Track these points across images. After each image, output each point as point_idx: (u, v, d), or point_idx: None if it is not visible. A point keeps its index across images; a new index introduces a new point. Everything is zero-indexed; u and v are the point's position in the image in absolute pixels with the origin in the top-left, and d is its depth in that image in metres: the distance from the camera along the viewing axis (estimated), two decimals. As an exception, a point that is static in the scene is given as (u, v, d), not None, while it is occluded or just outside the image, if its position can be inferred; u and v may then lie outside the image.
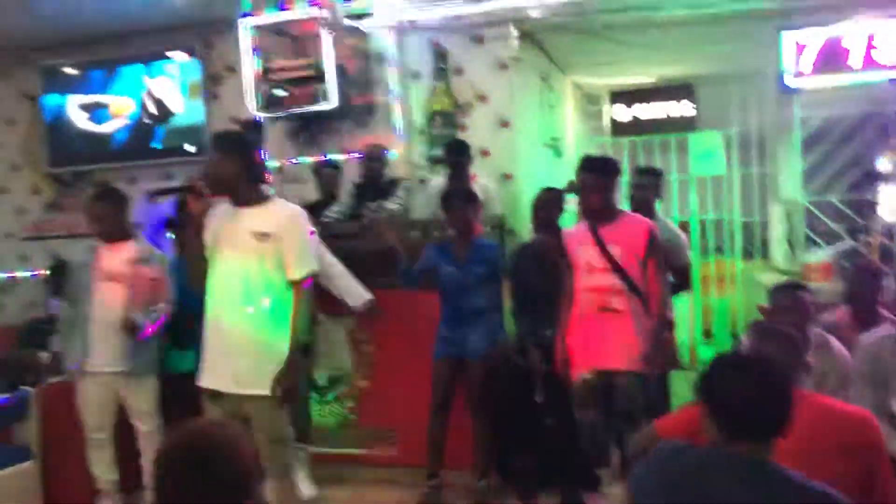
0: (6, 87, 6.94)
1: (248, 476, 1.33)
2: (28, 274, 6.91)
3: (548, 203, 4.33)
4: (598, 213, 3.74)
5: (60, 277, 5.20)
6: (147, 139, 6.53)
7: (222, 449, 1.32)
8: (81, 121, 6.68)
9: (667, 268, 3.88)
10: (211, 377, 3.20)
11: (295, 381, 3.12)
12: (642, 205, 4.43)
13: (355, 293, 4.42)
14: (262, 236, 3.11)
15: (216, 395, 3.18)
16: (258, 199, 3.21)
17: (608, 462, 3.84)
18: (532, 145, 5.92)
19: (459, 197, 4.31)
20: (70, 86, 6.67)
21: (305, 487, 4.05)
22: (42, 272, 6.63)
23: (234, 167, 3.13)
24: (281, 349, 3.12)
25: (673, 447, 1.94)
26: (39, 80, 6.72)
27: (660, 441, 2.21)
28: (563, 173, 6.22)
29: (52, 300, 5.74)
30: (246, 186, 3.18)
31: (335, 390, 4.75)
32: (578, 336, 3.74)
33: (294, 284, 3.16)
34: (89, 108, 6.66)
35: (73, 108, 6.68)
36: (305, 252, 3.21)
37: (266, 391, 3.07)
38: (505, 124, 5.59)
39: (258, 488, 1.37)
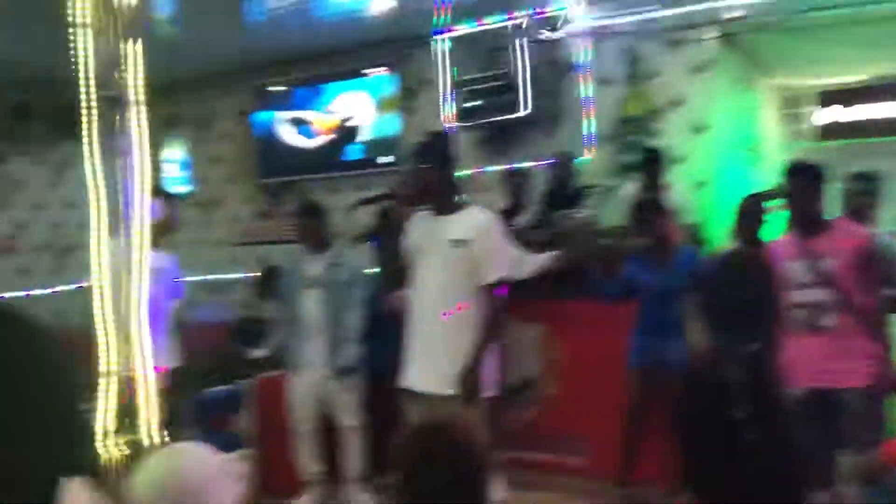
0: (225, 105, 7.63)
1: (484, 472, 1.38)
2: (240, 276, 7.51)
3: (751, 212, 4.12)
4: (808, 222, 3.51)
5: (270, 281, 5.64)
6: (345, 151, 6.91)
7: (464, 445, 1.38)
8: (288, 135, 7.18)
9: (886, 282, 3.56)
10: (412, 377, 3.32)
11: (476, 381, 3.14)
12: (858, 213, 4.10)
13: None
14: (459, 243, 3.20)
15: (415, 395, 3.30)
16: (456, 207, 3.31)
17: (829, 484, 3.59)
18: (729, 151, 5.67)
19: (649, 209, 4.22)
20: (278, 103, 7.21)
21: (496, 490, 4.10)
22: (251, 275, 7.19)
23: (438, 177, 3.26)
24: None
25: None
26: (252, 97, 7.31)
27: (887, 466, 2.05)
28: (763, 180, 5.90)
29: (263, 302, 6.21)
30: (447, 195, 3.29)
31: (524, 395, 4.77)
32: (790, 354, 3.53)
33: (486, 289, 3.22)
34: (295, 123, 7.16)
35: (281, 124, 7.21)
36: (499, 258, 3.26)
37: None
38: (700, 130, 5.39)
39: (488, 485, 1.42)
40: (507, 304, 3.33)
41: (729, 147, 5.72)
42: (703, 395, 4.01)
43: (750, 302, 3.86)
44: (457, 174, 3.43)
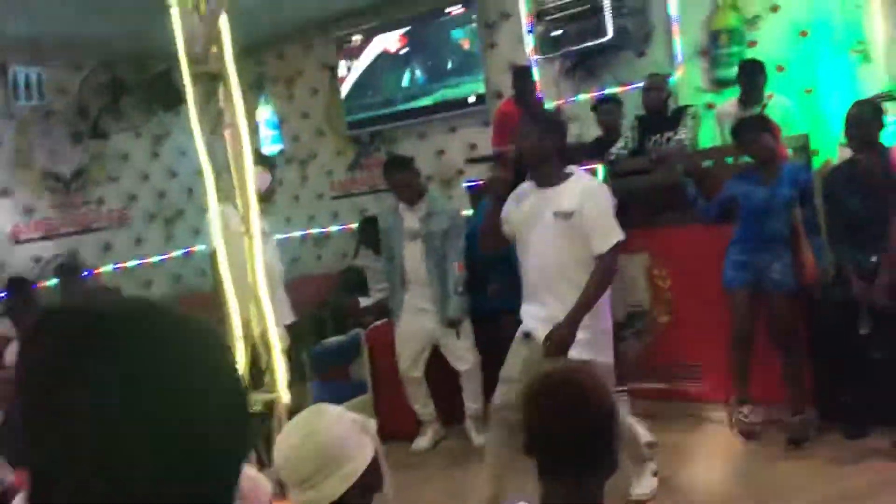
0: (308, 59, 7.69)
1: (612, 422, 1.39)
2: (338, 228, 7.68)
3: (864, 118, 3.87)
4: None
5: (369, 231, 5.75)
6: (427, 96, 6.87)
7: (593, 391, 1.39)
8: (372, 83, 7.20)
9: None
10: (528, 320, 3.34)
11: (568, 336, 3.04)
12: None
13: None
14: (566, 216, 3.14)
15: (528, 336, 3.30)
16: (562, 177, 3.24)
17: None
18: (835, 54, 5.32)
19: (750, 128, 4.03)
20: (360, 53, 7.21)
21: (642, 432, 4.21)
22: (350, 226, 7.36)
23: (551, 146, 3.20)
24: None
25: None
26: (333, 50, 7.34)
27: None
28: (875, 82, 5.54)
29: (364, 252, 6.36)
30: (556, 166, 3.24)
31: (634, 327, 4.74)
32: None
33: (599, 258, 3.14)
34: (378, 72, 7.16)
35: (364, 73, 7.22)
36: (608, 225, 3.18)
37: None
38: (802, 33, 5.09)
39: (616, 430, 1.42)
40: (616, 263, 3.25)
41: (835, 49, 5.37)
42: (825, 314, 3.94)
43: (867, 213, 3.69)
44: (562, 145, 3.33)
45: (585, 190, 3.20)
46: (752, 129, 4.03)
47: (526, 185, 3.31)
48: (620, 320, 4.68)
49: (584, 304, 3.09)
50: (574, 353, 3.01)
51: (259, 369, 2.74)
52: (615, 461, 1.43)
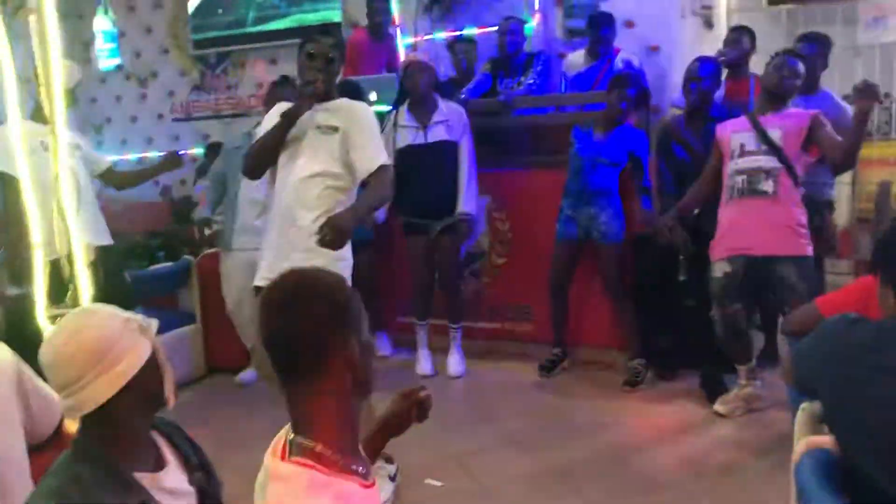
0: (154, -30, 7.14)
1: (325, 322, 1.28)
2: (178, 153, 7.24)
3: (699, 76, 4.02)
4: (778, 97, 3.54)
5: (213, 157, 5.47)
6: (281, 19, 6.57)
7: (317, 293, 1.30)
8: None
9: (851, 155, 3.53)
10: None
11: (348, 227, 2.72)
12: (807, 76, 4.03)
13: None
14: (329, 129, 2.96)
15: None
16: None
17: (750, 356, 3.72)
18: (681, 15, 5.52)
19: (617, 82, 4.15)
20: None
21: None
22: (190, 151, 6.97)
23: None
24: None
25: (843, 320, 1.81)
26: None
27: (821, 318, 2.09)
28: (714, 47, 5.80)
29: (199, 182, 6.05)
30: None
31: (472, 266, 4.79)
32: (725, 221, 3.58)
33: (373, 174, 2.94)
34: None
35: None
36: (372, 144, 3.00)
37: None
38: (648, -8, 5.23)
39: (348, 339, 1.30)
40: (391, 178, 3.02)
41: (681, 10, 5.57)
42: (648, 261, 4.12)
43: (694, 167, 3.87)
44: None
45: (350, 109, 3.02)
46: (618, 83, 4.13)
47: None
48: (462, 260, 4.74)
49: (368, 205, 2.95)
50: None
51: (62, 283, 2.53)
52: (326, 367, 1.28)
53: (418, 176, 4.20)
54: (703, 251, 3.71)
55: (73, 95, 3.58)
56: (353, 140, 2.92)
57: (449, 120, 4.29)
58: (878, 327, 1.72)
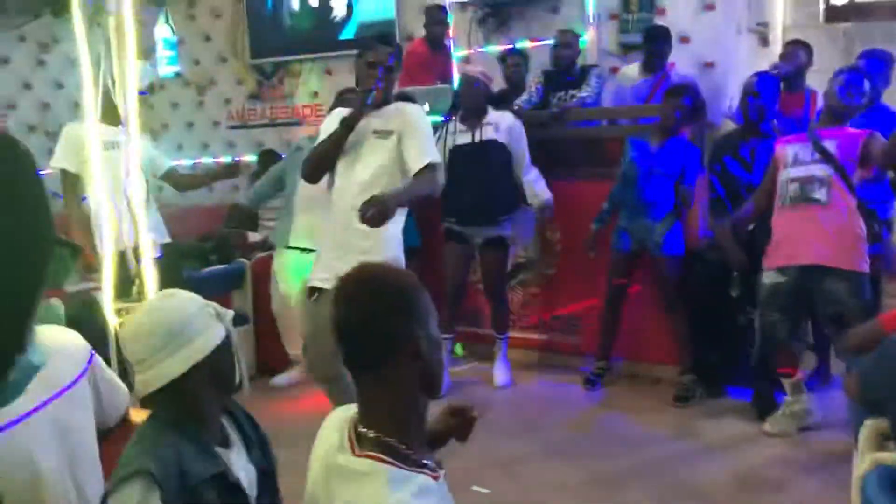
0: (214, -20, 7.32)
1: (398, 314, 1.31)
2: (233, 159, 7.39)
3: (754, 91, 3.98)
4: (839, 115, 3.52)
5: (267, 165, 5.57)
6: (340, 31, 6.67)
7: (387, 285, 1.33)
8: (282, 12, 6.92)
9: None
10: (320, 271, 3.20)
11: (390, 207, 2.77)
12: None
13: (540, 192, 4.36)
14: (381, 134, 3.05)
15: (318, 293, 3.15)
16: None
17: (792, 367, 3.66)
18: (737, 31, 5.49)
19: (673, 92, 4.17)
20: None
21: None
22: (244, 158, 7.11)
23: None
24: None
25: (909, 337, 1.79)
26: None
27: (884, 335, 2.06)
28: (769, 63, 5.74)
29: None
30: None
31: (519, 277, 4.80)
32: (777, 230, 3.55)
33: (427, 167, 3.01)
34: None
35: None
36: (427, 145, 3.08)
37: None
38: (709, 7, 5.21)
39: (415, 331, 1.31)
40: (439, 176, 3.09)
41: (737, 27, 5.53)
42: (700, 276, 4.09)
43: (747, 184, 3.84)
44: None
45: (403, 112, 3.09)
46: (674, 93, 4.14)
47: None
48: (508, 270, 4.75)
49: (411, 192, 2.97)
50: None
51: (128, 277, 2.61)
52: (395, 359, 1.30)
53: (466, 176, 4.17)
54: (757, 267, 3.68)
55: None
56: (406, 140, 3.00)
57: (498, 124, 4.32)
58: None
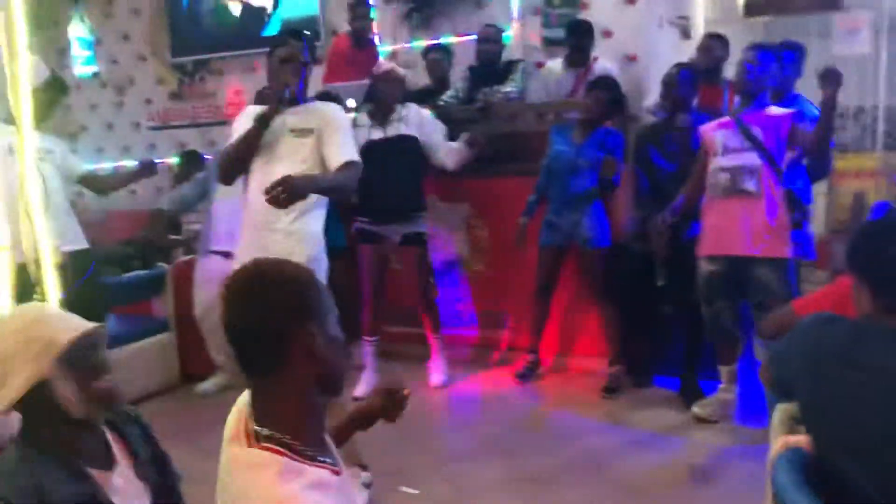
0: (130, -24, 7.09)
1: (293, 308, 1.25)
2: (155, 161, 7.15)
3: (676, 82, 4.03)
4: (752, 94, 3.52)
5: (190, 166, 5.42)
6: (261, 28, 6.53)
7: (275, 282, 1.26)
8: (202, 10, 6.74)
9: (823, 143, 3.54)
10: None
11: (302, 187, 2.72)
12: (782, 82, 4.06)
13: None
14: (305, 132, 2.99)
15: None
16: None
17: (734, 358, 3.71)
18: (659, 25, 5.56)
19: (594, 85, 4.18)
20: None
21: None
22: (167, 160, 6.91)
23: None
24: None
25: (819, 319, 1.81)
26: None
27: (798, 321, 2.08)
28: (691, 56, 5.84)
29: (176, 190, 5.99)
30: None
31: (451, 273, 4.76)
32: (709, 220, 3.58)
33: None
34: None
35: (193, -3, 6.74)
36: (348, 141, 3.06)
37: None
38: (630, 2, 5.26)
39: (307, 328, 1.26)
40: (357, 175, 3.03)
41: (658, 21, 5.60)
42: (626, 267, 4.11)
43: (672, 172, 3.88)
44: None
45: (322, 110, 3.05)
46: (595, 86, 4.15)
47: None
48: (437, 268, 4.71)
49: (326, 182, 2.91)
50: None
51: (28, 282, 2.47)
52: (288, 360, 1.25)
53: (379, 172, 3.98)
54: (680, 256, 3.72)
55: (47, 95, 3.55)
56: (325, 138, 2.95)
57: (407, 117, 4.22)
58: (853, 325, 1.71)
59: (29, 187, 2.37)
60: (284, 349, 1.24)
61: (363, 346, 4.32)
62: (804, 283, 4.47)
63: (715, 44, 4.44)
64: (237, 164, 3.01)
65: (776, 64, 3.62)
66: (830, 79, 3.22)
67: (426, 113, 4.32)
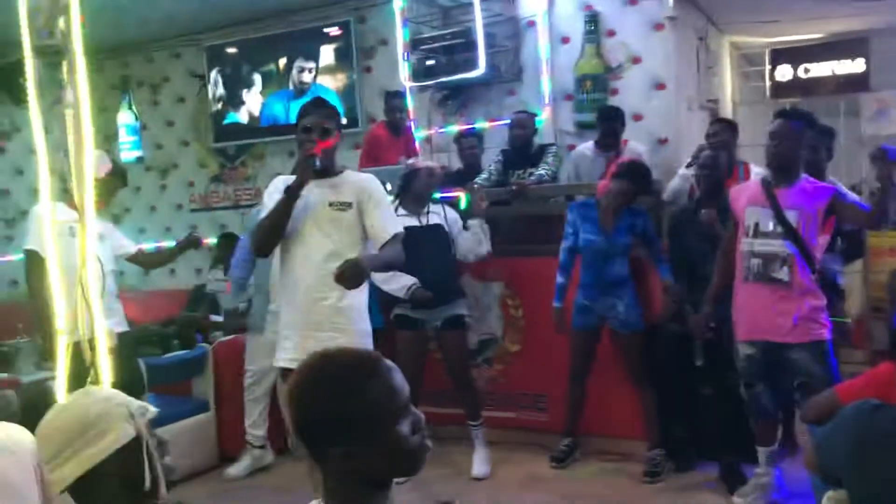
0: (176, 67, 7.43)
1: (357, 402, 1.27)
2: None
3: (709, 164, 4.09)
4: (781, 170, 3.44)
5: (228, 248, 5.55)
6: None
7: (353, 374, 1.29)
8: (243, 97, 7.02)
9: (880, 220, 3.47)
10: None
11: (365, 270, 2.84)
12: (812, 167, 4.09)
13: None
14: (344, 206, 3.04)
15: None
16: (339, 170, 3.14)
17: (774, 440, 3.66)
18: (688, 108, 5.69)
19: (618, 173, 4.17)
20: (230, 63, 7.02)
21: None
22: (206, 241, 7.08)
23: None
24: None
25: (864, 406, 1.82)
26: (205, 59, 7.12)
27: (841, 406, 2.08)
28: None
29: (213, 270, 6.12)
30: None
31: (486, 354, 4.79)
32: (741, 303, 3.56)
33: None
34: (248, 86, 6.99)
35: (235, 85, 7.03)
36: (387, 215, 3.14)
37: None
38: (660, 86, 5.40)
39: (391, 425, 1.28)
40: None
41: (688, 104, 5.74)
42: (664, 348, 4.10)
43: (706, 252, 3.90)
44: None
45: (360, 183, 3.09)
46: (619, 174, 4.13)
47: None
48: (473, 347, 4.74)
49: (384, 260, 3.00)
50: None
51: (83, 369, 2.54)
52: (366, 451, 1.27)
53: (415, 260, 3.96)
54: (717, 335, 3.71)
55: (108, 185, 3.72)
56: (367, 211, 3.00)
57: (440, 213, 4.33)
58: (898, 412, 1.72)
59: (89, 273, 2.47)
60: (341, 437, 1.27)
61: None
62: (843, 364, 4.43)
63: (722, 130, 4.49)
64: (271, 236, 3.05)
65: (809, 131, 3.53)
66: (882, 157, 3.17)
67: (450, 209, 4.43)
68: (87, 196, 2.46)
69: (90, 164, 2.47)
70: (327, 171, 3.02)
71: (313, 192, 3.00)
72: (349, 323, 2.93)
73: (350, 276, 2.69)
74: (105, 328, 2.62)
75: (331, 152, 3.02)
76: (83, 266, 2.50)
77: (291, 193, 2.95)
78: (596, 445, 4.42)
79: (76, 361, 2.61)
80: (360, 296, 3.03)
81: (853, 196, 3.43)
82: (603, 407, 4.36)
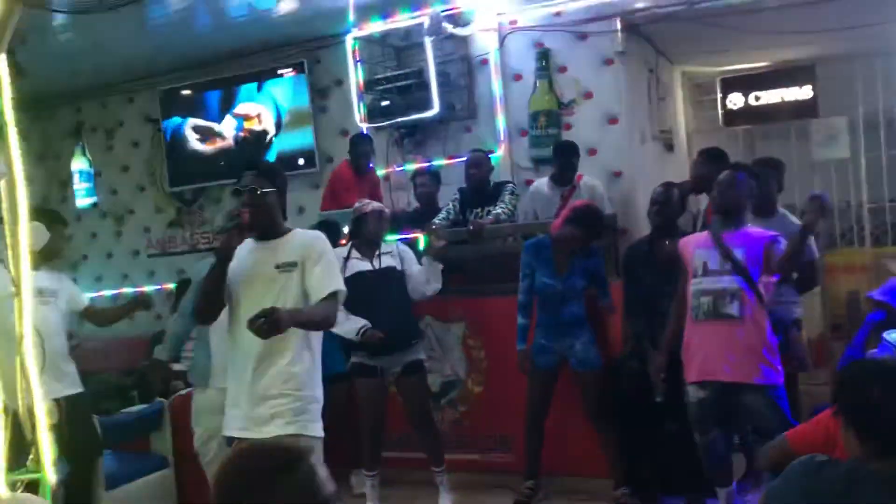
0: (131, 111, 7.36)
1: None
2: (154, 288, 7.24)
3: (663, 200, 4.11)
4: (726, 212, 3.52)
5: (185, 293, 5.46)
6: (261, 154, 6.71)
7: (271, 470, 1.30)
8: (194, 142, 6.96)
9: (792, 265, 3.61)
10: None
11: (288, 321, 2.71)
12: (763, 199, 4.13)
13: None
14: (288, 266, 2.94)
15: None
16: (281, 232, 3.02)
17: (730, 480, 3.66)
18: (641, 140, 5.75)
19: (569, 219, 4.14)
20: (185, 108, 6.96)
21: None
22: (166, 286, 6.99)
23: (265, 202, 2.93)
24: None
25: (813, 462, 1.81)
26: (160, 103, 7.06)
27: (793, 454, 2.08)
28: (676, 168, 6.01)
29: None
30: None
31: (449, 396, 4.75)
32: (692, 343, 3.56)
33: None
34: (202, 131, 6.93)
35: (188, 130, 6.96)
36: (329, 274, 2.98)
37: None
38: (613, 120, 5.45)
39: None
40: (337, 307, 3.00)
41: (641, 136, 5.80)
42: (624, 385, 4.09)
43: (663, 289, 3.91)
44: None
45: (304, 241, 2.99)
46: (570, 220, 4.11)
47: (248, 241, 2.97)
48: (435, 389, 4.70)
49: (309, 316, 2.87)
50: (277, 427, 2.78)
51: (23, 447, 2.46)
52: None
53: (371, 304, 4.06)
54: (677, 371, 3.71)
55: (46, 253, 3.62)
56: (307, 270, 2.91)
57: (392, 251, 4.31)
58: (846, 471, 1.71)
59: (26, 347, 2.39)
60: None
61: (366, 483, 4.32)
62: (805, 384, 4.47)
63: (701, 161, 4.53)
64: (208, 303, 2.98)
65: (754, 181, 3.65)
66: (815, 206, 3.26)
67: (405, 247, 4.43)
68: (23, 269, 2.39)
69: (25, 237, 2.41)
70: (268, 232, 2.96)
71: (256, 255, 2.95)
72: (297, 388, 2.87)
73: (263, 325, 2.59)
74: (46, 404, 2.54)
75: (265, 214, 2.92)
76: (20, 342, 2.43)
77: (221, 257, 2.89)
78: (563, 485, 4.40)
79: (16, 440, 2.53)
80: (308, 359, 2.96)
81: (782, 248, 3.47)
82: (569, 446, 4.35)
